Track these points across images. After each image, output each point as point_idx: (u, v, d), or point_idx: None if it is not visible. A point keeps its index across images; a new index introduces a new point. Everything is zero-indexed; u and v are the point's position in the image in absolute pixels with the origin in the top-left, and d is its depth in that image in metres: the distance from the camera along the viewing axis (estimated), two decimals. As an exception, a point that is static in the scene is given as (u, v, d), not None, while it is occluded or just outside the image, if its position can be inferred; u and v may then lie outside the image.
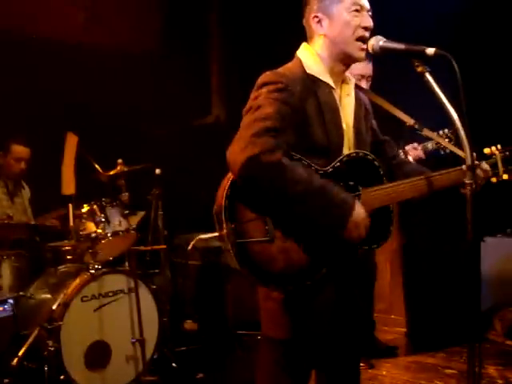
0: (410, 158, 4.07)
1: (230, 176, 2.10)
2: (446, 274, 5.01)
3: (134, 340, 4.15)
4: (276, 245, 2.08)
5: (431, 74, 2.12)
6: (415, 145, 4.13)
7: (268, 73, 2.21)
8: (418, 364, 4.55)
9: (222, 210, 2.07)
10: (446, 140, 3.85)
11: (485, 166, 2.45)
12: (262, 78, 2.20)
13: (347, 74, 2.36)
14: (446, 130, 3.91)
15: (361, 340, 2.46)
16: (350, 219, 2.08)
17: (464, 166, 2.07)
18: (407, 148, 4.12)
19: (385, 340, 4.99)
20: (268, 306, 2.23)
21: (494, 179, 2.54)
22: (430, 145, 4.10)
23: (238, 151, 2.02)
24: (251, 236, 2.07)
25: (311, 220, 2.08)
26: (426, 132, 2.45)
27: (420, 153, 4.12)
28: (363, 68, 4.04)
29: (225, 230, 2.06)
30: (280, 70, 2.25)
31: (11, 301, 3.69)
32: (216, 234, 2.15)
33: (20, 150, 4.97)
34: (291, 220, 2.08)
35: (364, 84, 4.08)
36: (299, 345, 2.20)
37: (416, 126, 2.37)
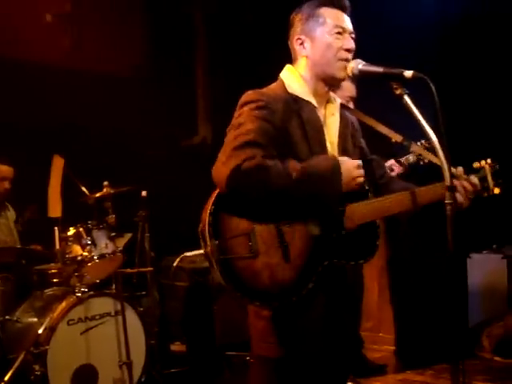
0: (394, 173, 4.11)
1: (213, 195, 2.12)
2: (433, 290, 5.03)
3: (121, 363, 4.14)
4: (260, 260, 2.08)
5: (410, 96, 2.15)
6: (397, 159, 4.17)
7: (250, 92, 2.24)
8: (406, 382, 4.55)
9: (205, 227, 2.07)
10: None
11: (474, 179, 2.42)
12: (243, 97, 2.24)
13: (332, 94, 2.39)
14: (423, 141, 3.95)
15: (349, 356, 2.44)
16: (343, 176, 2.11)
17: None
18: (389, 163, 4.17)
19: (373, 358, 4.99)
20: (258, 324, 2.23)
21: (485, 194, 2.53)
22: (411, 157, 4.15)
23: (220, 166, 2.07)
24: (235, 252, 2.07)
25: (309, 202, 2.11)
26: (415, 147, 2.48)
27: (403, 167, 4.16)
28: (351, 89, 4.10)
29: (209, 248, 2.06)
30: (263, 89, 2.29)
31: (-3, 325, 3.67)
32: (201, 251, 2.15)
33: (3, 169, 4.95)
34: (290, 211, 2.10)
35: (351, 105, 4.13)
36: (291, 363, 2.19)
37: (404, 143, 2.39)
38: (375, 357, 5.06)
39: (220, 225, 2.09)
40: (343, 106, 2.45)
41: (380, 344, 5.40)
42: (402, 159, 4.19)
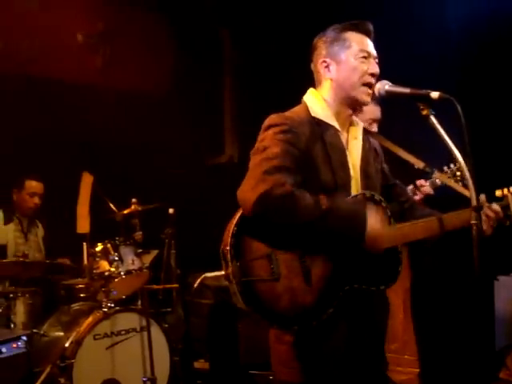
0: (418, 197, 4.09)
1: (236, 216, 2.13)
2: (459, 313, 4.98)
3: (145, 379, 4.16)
4: (281, 284, 2.08)
5: (436, 116, 2.17)
6: (422, 181, 4.15)
7: (273, 115, 2.26)
8: (430, 405, 4.49)
9: (228, 248, 2.08)
10: (458, 173, 3.88)
11: (495, 207, 2.42)
12: (267, 121, 2.26)
13: (354, 118, 2.41)
14: (452, 166, 3.94)
15: (376, 381, 2.41)
16: (367, 233, 2.12)
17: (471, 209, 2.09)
18: (413, 187, 4.14)
19: (398, 380, 4.93)
20: (280, 348, 2.23)
21: (507, 222, 2.51)
22: (438, 180, 4.12)
23: (249, 189, 2.07)
24: (257, 274, 2.08)
25: (332, 238, 2.12)
26: (437, 175, 2.48)
27: (428, 189, 4.14)
28: (374, 112, 4.11)
29: (230, 269, 2.06)
30: (286, 113, 2.30)
31: (25, 338, 3.71)
32: (222, 272, 2.15)
33: (33, 184, 5.08)
34: (311, 243, 2.11)
35: (375, 127, 4.15)
36: None
37: (426, 169, 2.40)
38: (400, 379, 5.01)
39: (242, 246, 2.10)
40: (366, 131, 2.47)
41: (405, 366, 5.34)
42: (427, 182, 4.17)
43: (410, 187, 4.11)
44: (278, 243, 2.11)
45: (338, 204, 2.14)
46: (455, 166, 3.92)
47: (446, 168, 3.96)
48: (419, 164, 2.42)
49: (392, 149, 2.47)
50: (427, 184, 4.13)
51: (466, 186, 2.39)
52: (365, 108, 4.08)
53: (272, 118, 2.25)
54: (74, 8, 5.93)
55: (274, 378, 2.31)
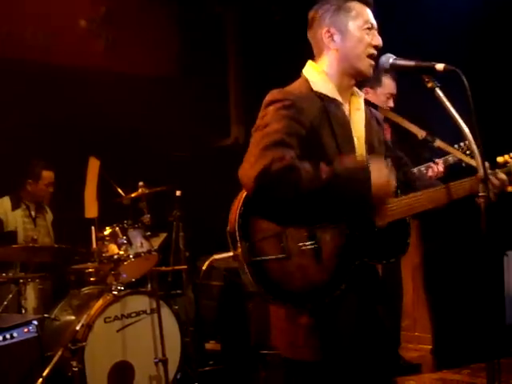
0: (432, 174, 4.08)
1: (241, 195, 2.10)
2: (469, 288, 4.97)
3: (156, 360, 4.18)
4: (292, 262, 2.05)
5: (442, 88, 2.15)
6: (436, 160, 4.13)
7: (275, 91, 2.21)
8: (442, 381, 4.49)
9: (235, 229, 2.05)
10: (468, 152, 3.86)
11: (501, 174, 2.39)
12: (268, 97, 2.20)
13: (355, 88, 2.36)
14: (463, 144, 3.92)
15: (388, 358, 2.39)
16: (373, 185, 2.04)
17: (478, 176, 2.08)
18: (425, 167, 4.13)
19: (409, 357, 4.95)
20: (292, 329, 2.18)
21: (510, 188, 2.51)
22: (450, 158, 4.09)
23: (248, 167, 2.01)
24: (266, 254, 2.04)
25: (337, 205, 2.06)
26: (439, 143, 2.47)
27: (440, 167, 4.11)
28: (391, 86, 4.11)
29: (239, 249, 2.03)
30: (286, 88, 2.26)
31: (36, 322, 3.73)
32: (231, 253, 2.11)
33: (49, 175, 5.12)
34: (319, 214, 2.06)
35: (391, 103, 4.14)
36: (328, 365, 2.16)
37: (428, 138, 2.38)
38: (411, 356, 5.03)
39: (249, 226, 2.06)
40: (366, 101, 2.42)
41: (415, 343, 5.36)
42: (441, 160, 4.15)
43: (423, 167, 4.10)
44: (286, 220, 2.07)
45: (338, 165, 2.07)
46: (465, 144, 3.90)
47: (456, 146, 3.94)
48: (421, 133, 2.40)
49: (394, 118, 2.45)
50: (440, 161, 4.12)
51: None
52: (385, 82, 4.10)
53: (273, 94, 2.20)
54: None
55: (285, 358, 2.25)
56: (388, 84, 4.12)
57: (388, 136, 4.01)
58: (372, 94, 4.03)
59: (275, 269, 2.04)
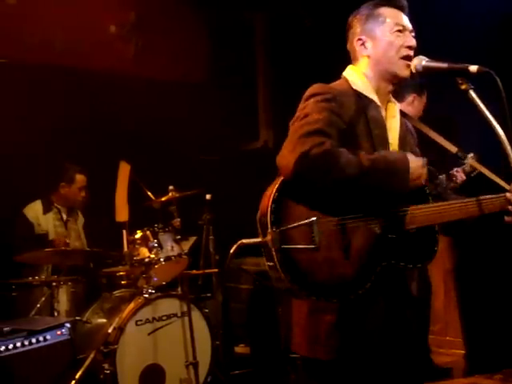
0: (458, 181, 4.10)
1: (275, 182, 2.09)
2: (502, 293, 4.91)
3: (187, 363, 4.20)
4: (321, 254, 2.04)
5: (475, 91, 2.13)
6: (458, 169, 4.16)
7: (316, 85, 2.23)
8: (473, 386, 4.45)
9: (267, 214, 2.02)
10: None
11: None
12: (310, 90, 2.23)
13: (391, 96, 2.37)
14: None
15: (416, 362, 2.39)
16: (411, 173, 2.11)
17: (508, 194, 2.11)
18: (446, 175, 4.15)
19: (441, 362, 4.90)
20: (315, 326, 2.18)
21: None
22: (467, 168, 4.13)
23: (287, 153, 2.04)
24: (296, 243, 2.03)
25: (373, 194, 2.10)
26: (470, 160, 2.45)
27: (463, 175, 4.15)
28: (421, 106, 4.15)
29: (269, 236, 2.01)
30: (328, 84, 2.28)
31: (68, 325, 3.77)
32: (258, 239, 2.09)
33: (82, 178, 5.16)
34: (354, 202, 2.09)
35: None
36: (348, 365, 2.16)
37: (459, 154, 2.36)
38: (443, 360, 4.98)
39: (282, 213, 2.04)
40: (401, 112, 2.43)
41: (447, 348, 5.31)
42: (460, 169, 4.17)
43: (443, 176, 4.11)
44: (321, 207, 2.06)
45: (380, 155, 2.13)
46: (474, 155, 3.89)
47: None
48: (452, 149, 2.38)
49: (426, 132, 2.43)
50: (460, 171, 4.13)
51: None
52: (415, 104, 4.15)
53: (314, 87, 2.23)
54: (106, -1, 6.00)
55: (303, 357, 2.25)
56: (419, 107, 4.18)
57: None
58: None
59: (303, 259, 2.03)
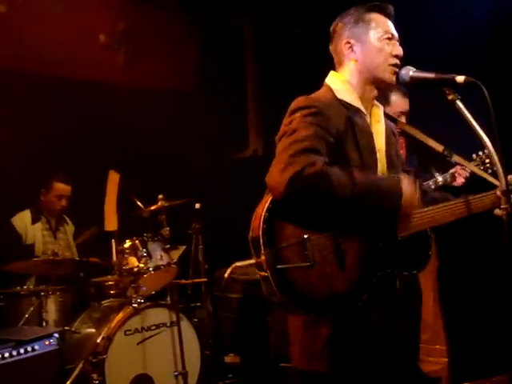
0: (458, 182, 4.07)
1: (265, 201, 2.08)
2: (487, 299, 4.92)
3: (176, 373, 4.18)
4: (316, 271, 2.03)
5: (462, 101, 2.15)
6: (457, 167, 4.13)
7: (300, 98, 2.22)
8: (460, 394, 4.45)
9: (259, 235, 2.01)
10: (487, 161, 3.87)
11: None
12: (294, 104, 2.21)
13: (375, 100, 2.38)
14: (481, 153, 3.90)
15: (406, 372, 2.36)
16: (403, 200, 2.08)
17: (498, 192, 2.09)
18: (451, 172, 4.11)
19: (429, 371, 4.90)
20: (310, 339, 2.17)
21: None
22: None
23: (278, 173, 2.01)
24: (290, 262, 2.01)
25: (365, 215, 2.08)
26: (456, 158, 2.46)
27: (465, 173, 4.11)
28: (403, 104, 4.08)
29: (263, 257, 2.00)
30: (312, 95, 2.28)
31: (57, 335, 3.75)
32: (253, 261, 2.08)
33: (61, 187, 5.10)
34: (346, 222, 2.07)
35: (403, 120, 4.11)
36: (343, 377, 2.15)
37: (445, 153, 2.38)
38: (432, 369, 4.97)
39: (273, 232, 2.03)
40: (385, 114, 2.43)
41: (436, 356, 5.30)
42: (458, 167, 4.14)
43: (448, 175, 4.08)
44: (312, 226, 2.05)
45: (372, 178, 2.12)
46: (484, 153, 3.88)
47: (474, 155, 3.92)
48: (438, 147, 2.39)
49: (411, 132, 2.45)
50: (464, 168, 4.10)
51: (494, 173, 2.35)
52: (393, 100, 4.08)
53: (299, 101, 2.21)
54: (96, 8, 5.98)
55: (298, 370, 2.25)
56: (397, 102, 4.08)
57: (402, 149, 4.00)
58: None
59: (299, 277, 2.02)
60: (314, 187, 2.00)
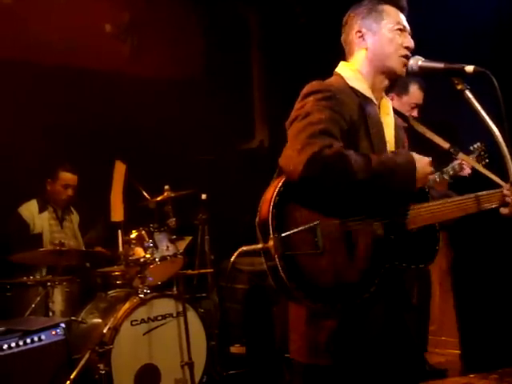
0: (465, 173, 4.07)
1: (275, 185, 2.03)
2: (498, 292, 4.91)
3: (182, 363, 4.19)
4: (325, 258, 1.98)
5: (471, 91, 2.13)
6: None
7: (314, 82, 2.19)
8: (469, 386, 4.44)
9: (268, 220, 1.95)
10: (482, 152, 3.86)
11: None
12: (308, 88, 2.17)
13: (384, 95, 2.36)
14: (476, 145, 3.89)
15: (413, 364, 2.36)
16: (417, 174, 2.08)
17: (504, 190, 2.13)
18: (458, 161, 4.10)
19: (436, 362, 4.90)
20: (314, 333, 2.13)
21: None
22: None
23: (295, 154, 1.97)
24: (299, 248, 1.96)
25: (383, 193, 2.07)
26: (461, 156, 2.44)
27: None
28: (419, 96, 4.06)
29: (271, 242, 1.94)
30: (325, 81, 2.26)
31: (63, 325, 3.75)
32: (259, 246, 2.01)
33: (68, 176, 5.08)
34: (361, 204, 2.05)
35: (415, 112, 4.09)
36: (348, 370, 2.13)
37: (451, 150, 2.36)
38: (438, 361, 4.98)
39: (283, 218, 1.97)
40: (393, 108, 2.41)
41: (442, 348, 5.30)
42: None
43: (456, 165, 4.06)
44: (325, 210, 2.01)
45: (387, 156, 2.12)
46: (481, 144, 3.88)
47: (471, 147, 3.92)
48: (444, 145, 2.38)
49: (418, 128, 2.43)
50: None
51: (488, 165, 2.36)
52: (412, 90, 4.07)
53: (313, 85, 2.17)
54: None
55: (300, 363, 2.20)
56: (415, 93, 4.06)
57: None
58: (396, 101, 3.97)
59: (307, 264, 1.97)
60: (333, 167, 1.96)
